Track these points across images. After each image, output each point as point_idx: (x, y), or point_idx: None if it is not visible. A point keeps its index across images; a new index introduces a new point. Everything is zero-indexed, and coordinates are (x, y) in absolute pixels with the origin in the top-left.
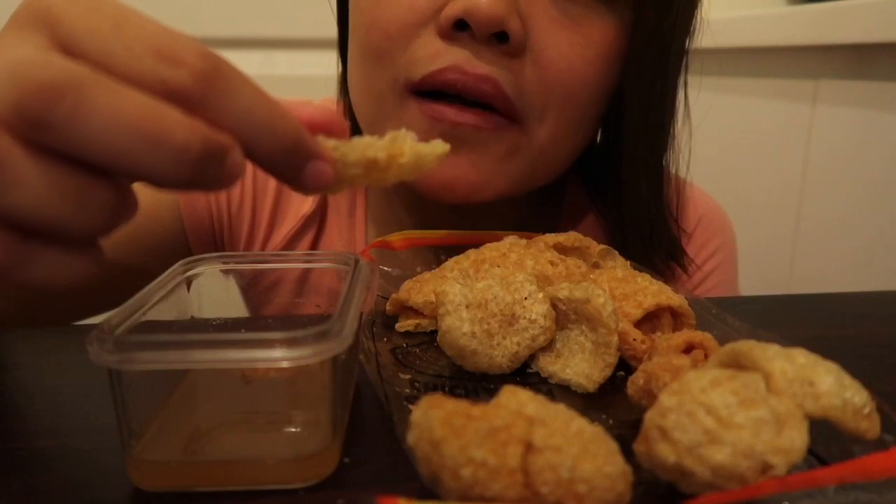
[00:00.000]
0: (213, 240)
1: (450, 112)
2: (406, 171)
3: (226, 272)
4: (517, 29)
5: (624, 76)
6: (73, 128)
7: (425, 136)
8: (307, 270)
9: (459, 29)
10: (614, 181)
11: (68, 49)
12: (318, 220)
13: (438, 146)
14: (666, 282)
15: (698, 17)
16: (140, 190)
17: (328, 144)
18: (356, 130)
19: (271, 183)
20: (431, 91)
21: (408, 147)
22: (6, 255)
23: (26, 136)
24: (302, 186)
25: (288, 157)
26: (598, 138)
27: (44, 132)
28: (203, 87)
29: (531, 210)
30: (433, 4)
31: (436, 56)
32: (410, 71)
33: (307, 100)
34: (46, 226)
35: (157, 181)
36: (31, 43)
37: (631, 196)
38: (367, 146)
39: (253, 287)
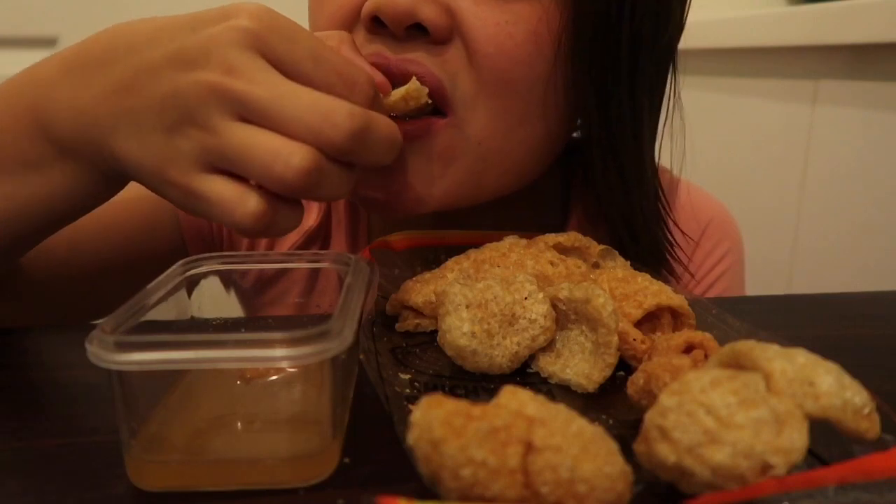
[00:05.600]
0: (212, 251)
1: None
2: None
3: (226, 277)
4: (433, 18)
5: (576, 69)
6: (363, 149)
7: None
8: (311, 273)
9: (379, 25)
10: (592, 186)
11: (280, 71)
12: (322, 235)
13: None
14: (671, 286)
15: (673, 9)
16: (141, 199)
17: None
18: None
19: None
20: None
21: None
22: (272, 215)
23: (331, 155)
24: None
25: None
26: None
27: (347, 155)
28: (368, 102)
29: (533, 221)
30: (358, 2)
31: (360, 47)
32: None
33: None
34: (310, 198)
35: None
36: (258, 66)
37: (607, 202)
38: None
39: (254, 292)
